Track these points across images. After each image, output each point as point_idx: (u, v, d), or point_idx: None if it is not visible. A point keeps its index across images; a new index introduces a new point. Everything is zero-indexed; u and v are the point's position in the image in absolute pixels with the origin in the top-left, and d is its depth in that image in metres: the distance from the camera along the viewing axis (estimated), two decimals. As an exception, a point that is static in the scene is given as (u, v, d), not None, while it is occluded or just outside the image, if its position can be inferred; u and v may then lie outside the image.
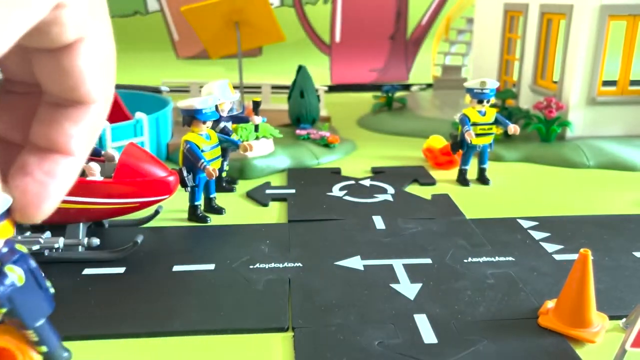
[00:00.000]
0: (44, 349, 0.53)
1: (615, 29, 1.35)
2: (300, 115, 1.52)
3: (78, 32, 0.20)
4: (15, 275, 0.46)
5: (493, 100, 1.12)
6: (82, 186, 0.80)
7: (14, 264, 0.47)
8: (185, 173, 0.90)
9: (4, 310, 0.49)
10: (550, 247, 0.84)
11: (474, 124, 1.11)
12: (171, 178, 0.83)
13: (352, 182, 1.16)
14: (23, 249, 0.49)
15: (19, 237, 0.77)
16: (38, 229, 0.84)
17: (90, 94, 0.22)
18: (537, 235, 0.88)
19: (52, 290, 0.53)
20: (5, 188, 0.22)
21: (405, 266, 0.78)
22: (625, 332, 0.53)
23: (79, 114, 0.22)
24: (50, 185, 0.22)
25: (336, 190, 1.11)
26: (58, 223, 0.83)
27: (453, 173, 1.20)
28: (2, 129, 0.25)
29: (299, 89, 1.52)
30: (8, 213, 0.22)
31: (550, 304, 0.65)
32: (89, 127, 0.23)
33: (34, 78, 0.23)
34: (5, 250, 0.47)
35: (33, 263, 0.49)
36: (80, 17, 0.20)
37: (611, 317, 0.65)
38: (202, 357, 0.59)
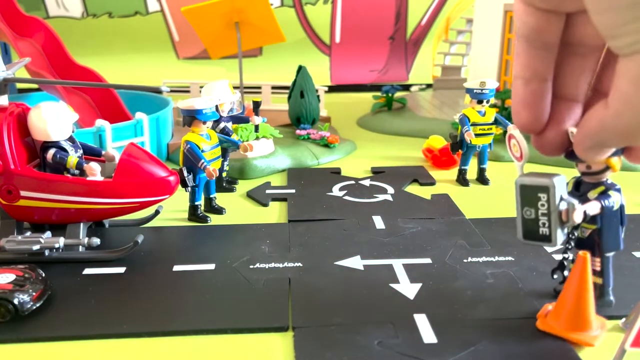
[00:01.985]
0: (600, 280, 0.63)
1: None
2: (300, 115, 1.53)
3: None
4: (616, 200, 0.60)
5: (493, 100, 1.12)
6: (83, 186, 0.80)
7: (617, 192, 0.60)
8: (185, 173, 0.90)
9: (592, 226, 0.62)
10: (549, 247, 0.84)
11: (474, 124, 1.11)
12: (171, 178, 0.83)
13: (352, 182, 1.16)
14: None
15: (20, 237, 0.77)
16: (38, 228, 0.84)
17: None
18: (537, 235, 0.88)
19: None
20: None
21: (405, 266, 0.78)
22: (625, 332, 0.53)
23: None
24: None
25: (336, 190, 1.11)
26: (58, 223, 0.83)
27: (453, 173, 1.21)
28: (569, 89, 0.31)
29: (299, 89, 1.52)
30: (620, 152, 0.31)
31: (550, 306, 0.65)
32: None
33: (597, 42, 0.28)
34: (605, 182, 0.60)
35: (624, 201, 0.61)
36: None
37: (611, 317, 0.65)
38: (203, 357, 0.59)
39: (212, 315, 0.66)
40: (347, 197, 1.07)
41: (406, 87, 2.42)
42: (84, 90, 1.49)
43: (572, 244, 0.62)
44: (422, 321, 0.64)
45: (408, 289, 0.71)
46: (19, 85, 2.03)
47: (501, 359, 0.57)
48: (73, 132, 0.84)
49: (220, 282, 0.73)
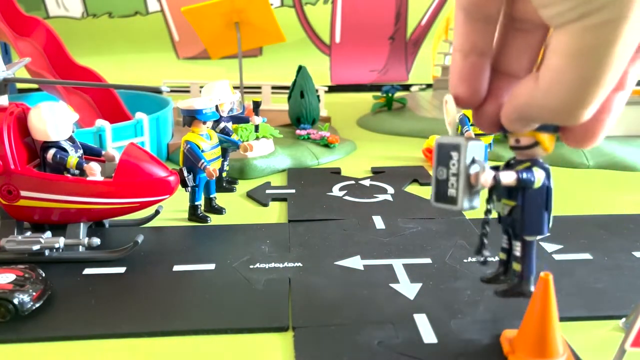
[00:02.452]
0: (518, 267, 0.59)
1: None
2: (301, 115, 1.53)
3: None
4: (537, 175, 0.55)
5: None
6: (83, 186, 0.80)
7: (541, 169, 0.55)
8: (185, 173, 0.90)
9: (511, 202, 0.57)
10: (549, 247, 0.84)
11: (474, 125, 1.11)
12: (171, 178, 0.83)
13: (352, 182, 1.16)
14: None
15: (20, 237, 0.77)
16: (39, 228, 0.84)
17: None
18: (537, 235, 0.88)
19: None
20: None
21: (405, 266, 0.78)
22: (625, 332, 0.53)
23: (638, 54, 0.26)
24: (607, 119, 0.27)
25: (336, 190, 1.11)
26: (59, 223, 0.83)
27: (453, 173, 1.20)
28: (512, 65, 0.30)
29: (299, 89, 1.52)
30: (556, 129, 0.30)
31: (509, 333, 0.60)
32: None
33: (541, 19, 0.26)
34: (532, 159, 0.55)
35: (552, 184, 0.56)
36: None
37: (610, 317, 0.65)
38: (203, 357, 0.59)
39: (212, 315, 0.66)
40: (347, 197, 1.07)
41: (406, 87, 2.42)
42: (84, 90, 1.49)
43: (489, 215, 0.58)
44: (422, 321, 0.64)
45: (408, 289, 0.71)
46: (19, 85, 2.03)
47: (502, 359, 0.57)
48: (73, 132, 0.84)
49: (220, 282, 0.73)
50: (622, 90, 0.26)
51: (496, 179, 0.54)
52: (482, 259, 0.60)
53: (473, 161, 0.52)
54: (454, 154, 0.53)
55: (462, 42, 0.28)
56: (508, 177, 0.55)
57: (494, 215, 0.59)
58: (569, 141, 0.28)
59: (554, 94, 0.24)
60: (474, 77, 0.28)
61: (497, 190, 0.58)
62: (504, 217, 0.59)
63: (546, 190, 0.57)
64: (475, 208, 0.54)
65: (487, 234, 0.58)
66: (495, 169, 0.58)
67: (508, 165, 0.58)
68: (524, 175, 0.55)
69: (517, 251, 0.60)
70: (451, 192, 0.54)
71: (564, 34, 0.22)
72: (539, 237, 0.59)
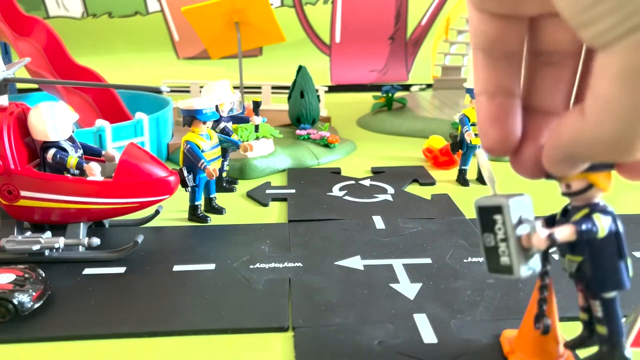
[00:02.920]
0: (602, 329, 0.50)
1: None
2: (301, 115, 1.53)
3: None
4: (599, 223, 0.46)
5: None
6: (83, 186, 0.80)
7: (603, 214, 0.46)
8: (185, 173, 0.90)
9: (577, 257, 0.49)
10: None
11: (474, 124, 1.11)
12: (171, 178, 0.83)
13: (352, 182, 1.16)
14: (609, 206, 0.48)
15: (20, 237, 0.77)
16: (39, 228, 0.84)
17: None
18: (537, 235, 0.88)
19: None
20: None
21: (405, 266, 0.78)
22: (625, 332, 0.53)
23: None
24: None
25: (336, 190, 1.11)
26: (59, 223, 0.83)
27: (453, 173, 1.21)
28: (542, 100, 0.26)
29: (299, 89, 1.52)
30: (611, 166, 0.24)
31: (508, 333, 0.60)
32: None
33: (572, 47, 0.24)
34: (593, 203, 0.47)
35: (621, 228, 0.48)
36: None
37: (611, 317, 0.65)
38: (203, 357, 0.59)
39: (212, 315, 0.66)
40: (347, 197, 1.07)
41: (406, 87, 2.42)
42: (84, 90, 1.49)
43: (546, 279, 0.51)
44: (422, 321, 0.64)
45: (408, 289, 0.71)
46: (19, 85, 2.03)
47: None
48: (73, 132, 0.84)
49: (220, 282, 0.73)
50: None
51: (551, 238, 0.46)
52: (540, 326, 0.52)
53: (520, 221, 0.46)
54: (498, 217, 0.46)
55: (485, 83, 0.26)
56: (565, 233, 0.46)
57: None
58: (630, 176, 0.25)
59: (607, 126, 0.20)
60: (503, 119, 0.25)
61: (557, 247, 0.49)
62: (574, 274, 0.50)
63: (615, 237, 0.48)
64: (537, 271, 0.47)
65: (546, 301, 0.51)
66: (551, 220, 0.51)
67: (565, 213, 0.50)
68: (584, 226, 0.46)
69: (599, 312, 0.50)
70: (504, 260, 0.47)
71: (612, 55, 0.19)
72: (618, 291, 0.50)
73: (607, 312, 0.50)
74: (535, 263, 0.47)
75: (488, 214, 0.47)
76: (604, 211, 0.47)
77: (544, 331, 0.52)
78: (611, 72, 0.19)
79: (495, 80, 0.26)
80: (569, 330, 0.62)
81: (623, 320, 0.64)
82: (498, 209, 0.47)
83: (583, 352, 0.55)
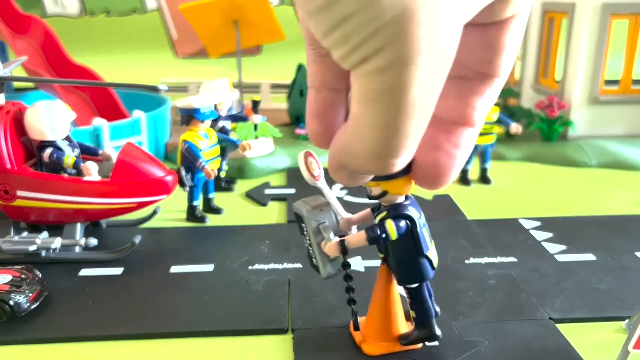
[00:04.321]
0: (412, 314, 0.55)
1: (617, 28, 1.34)
2: (300, 114, 1.52)
3: (515, 10, 0.21)
4: (390, 229, 0.50)
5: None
6: (80, 186, 0.79)
7: (394, 220, 0.50)
8: (183, 173, 0.90)
9: (382, 255, 0.54)
10: (552, 248, 0.83)
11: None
12: (169, 178, 0.82)
13: (353, 181, 1.15)
14: (415, 214, 0.51)
15: (16, 238, 0.76)
16: (36, 229, 0.83)
17: (501, 68, 0.23)
18: (539, 236, 0.88)
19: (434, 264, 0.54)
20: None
21: (406, 267, 0.77)
22: (628, 334, 0.53)
23: (484, 87, 0.23)
24: (458, 156, 0.24)
25: (336, 190, 1.10)
26: (56, 223, 0.82)
27: (454, 173, 1.20)
28: None
29: (299, 88, 1.51)
30: (404, 171, 0.25)
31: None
32: (489, 100, 0.24)
33: None
34: (393, 205, 0.50)
35: (419, 229, 0.51)
36: None
37: (614, 319, 0.65)
38: (201, 359, 0.58)
39: (211, 317, 0.65)
40: (348, 197, 1.06)
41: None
42: (81, 89, 1.48)
43: (348, 269, 0.54)
44: (423, 323, 0.63)
45: (409, 290, 0.70)
46: (16, 85, 2.02)
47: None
48: (70, 131, 0.84)
49: (219, 284, 0.73)
50: (472, 127, 0.24)
51: (343, 246, 0.50)
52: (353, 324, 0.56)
53: (319, 230, 0.50)
54: (302, 225, 0.51)
55: (313, 78, 0.26)
56: (357, 240, 0.51)
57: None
58: (419, 183, 0.26)
59: (358, 143, 0.21)
60: (325, 112, 0.25)
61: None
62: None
63: (412, 237, 0.51)
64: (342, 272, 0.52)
65: (354, 289, 0.55)
66: (376, 209, 0.53)
67: (379, 207, 0.53)
68: (373, 234, 0.50)
69: (408, 299, 0.56)
70: (314, 261, 0.52)
71: (354, 79, 0.19)
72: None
73: (414, 299, 0.55)
74: (339, 266, 0.52)
75: (298, 220, 0.51)
76: (400, 216, 0.50)
77: (355, 329, 0.57)
78: (355, 95, 0.20)
79: (321, 75, 0.26)
80: (569, 330, 0.62)
81: (627, 321, 0.63)
82: (300, 217, 0.50)
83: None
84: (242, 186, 1.13)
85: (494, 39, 0.22)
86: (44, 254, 0.76)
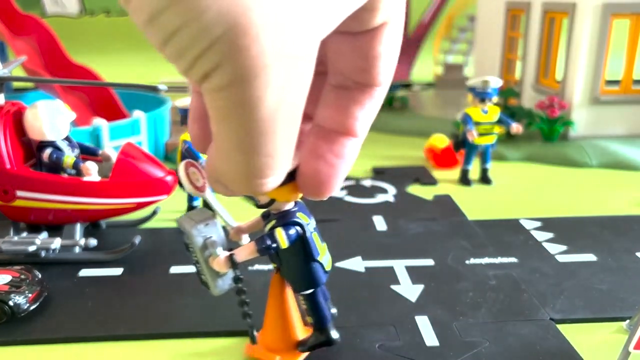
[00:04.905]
0: (309, 319, 0.55)
1: (618, 27, 1.33)
2: (301, 114, 1.51)
3: (385, 18, 0.21)
4: (279, 238, 0.48)
5: (496, 99, 1.11)
6: (79, 186, 0.79)
7: (283, 227, 0.48)
8: (183, 173, 0.89)
9: (275, 264, 0.53)
10: (553, 248, 0.83)
11: (477, 123, 1.10)
12: (169, 178, 0.82)
13: (353, 182, 1.15)
14: (305, 219, 0.50)
15: (16, 238, 0.76)
16: (35, 229, 0.83)
17: (378, 77, 0.23)
18: (540, 236, 0.87)
19: (326, 268, 0.53)
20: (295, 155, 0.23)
21: (407, 267, 0.77)
22: (629, 334, 0.52)
23: (364, 97, 0.23)
24: (340, 166, 0.24)
25: (336, 190, 1.10)
26: (55, 223, 0.82)
27: (455, 173, 1.19)
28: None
29: (299, 88, 1.51)
30: (290, 178, 0.24)
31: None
32: (371, 110, 0.24)
33: (326, 59, 0.24)
34: (282, 212, 0.49)
35: (308, 234, 0.50)
36: (389, 4, 0.20)
37: (614, 319, 0.64)
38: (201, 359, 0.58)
39: (210, 317, 0.65)
40: (347, 198, 1.06)
41: (408, 86, 2.41)
42: (80, 89, 1.48)
43: (240, 283, 0.52)
44: (423, 323, 0.63)
45: (410, 290, 0.70)
46: (16, 84, 2.02)
47: (504, 363, 0.56)
48: (69, 131, 0.83)
49: (218, 284, 0.72)
50: (354, 136, 0.24)
51: (232, 260, 0.49)
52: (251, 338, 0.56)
53: (205, 245, 0.48)
54: (188, 241, 0.49)
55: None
56: (246, 252, 0.49)
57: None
58: (301, 191, 0.25)
59: (220, 162, 0.20)
60: (205, 117, 0.24)
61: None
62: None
63: (302, 244, 0.50)
64: (234, 286, 0.51)
65: (248, 303, 0.54)
66: (265, 215, 0.52)
67: (268, 215, 0.52)
68: (263, 245, 0.49)
69: (304, 305, 0.55)
70: (203, 278, 0.50)
71: (204, 95, 0.18)
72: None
73: (310, 305, 0.54)
74: (230, 280, 0.50)
75: (183, 234, 0.49)
76: (289, 223, 0.49)
77: (252, 342, 0.57)
78: (209, 111, 0.19)
79: None
80: (570, 330, 0.61)
81: (627, 321, 0.63)
82: (185, 235, 0.49)
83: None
84: (242, 186, 1.13)
85: (367, 47, 0.21)
86: (43, 254, 0.76)
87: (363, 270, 0.76)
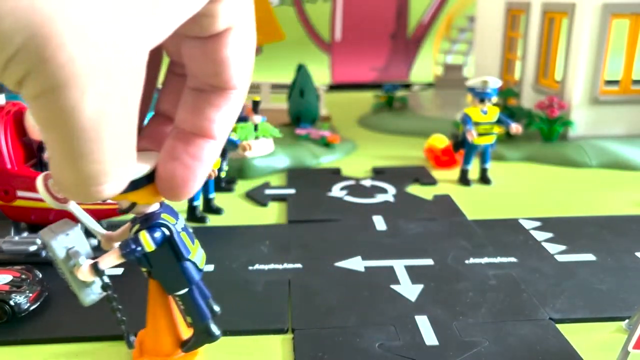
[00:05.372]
0: (188, 319, 0.54)
1: (617, 27, 1.34)
2: (300, 114, 1.52)
3: (227, 23, 0.21)
4: (144, 241, 0.47)
5: (495, 99, 1.11)
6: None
7: (148, 230, 0.47)
8: (184, 173, 0.90)
9: (145, 268, 0.51)
10: (552, 248, 0.83)
11: (476, 124, 1.10)
12: (170, 178, 0.82)
13: (353, 182, 1.16)
14: (171, 220, 0.49)
15: (16, 238, 0.76)
16: (36, 229, 0.83)
17: (232, 81, 0.23)
18: (539, 236, 0.88)
19: (200, 266, 0.52)
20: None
21: (407, 267, 0.77)
22: (628, 334, 0.53)
23: (220, 99, 0.23)
24: (197, 168, 0.24)
25: (336, 191, 1.10)
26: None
27: (454, 173, 1.20)
28: (167, 106, 0.27)
29: (299, 88, 1.51)
30: (150, 181, 0.24)
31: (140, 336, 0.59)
32: (229, 113, 0.24)
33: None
34: (145, 215, 0.47)
35: (175, 235, 0.49)
36: (231, 10, 0.21)
37: (614, 319, 0.65)
38: (201, 359, 0.58)
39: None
40: (347, 198, 1.06)
41: (407, 86, 2.41)
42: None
43: (110, 291, 0.51)
44: (423, 323, 0.63)
45: (409, 290, 0.71)
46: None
47: (504, 363, 0.57)
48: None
49: (219, 284, 0.73)
50: (211, 139, 0.24)
51: (96, 269, 0.48)
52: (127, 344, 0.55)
53: (68, 256, 0.47)
54: (50, 254, 0.48)
55: None
56: (110, 259, 0.48)
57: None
58: (160, 193, 0.25)
59: (55, 170, 0.20)
60: None
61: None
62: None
63: (170, 245, 0.49)
64: (103, 294, 0.50)
65: (120, 309, 0.53)
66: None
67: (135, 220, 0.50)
68: (128, 249, 0.47)
69: (181, 305, 0.54)
70: (71, 288, 0.49)
71: (27, 103, 0.18)
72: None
73: (186, 304, 0.53)
74: (98, 288, 0.50)
75: (46, 249, 0.48)
76: (154, 225, 0.48)
77: (129, 347, 0.55)
78: (35, 119, 0.19)
79: None
80: (569, 330, 0.62)
81: (626, 321, 0.63)
82: (46, 246, 0.48)
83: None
84: (242, 186, 1.13)
85: (214, 51, 0.22)
86: (43, 254, 0.76)
87: (363, 270, 0.76)
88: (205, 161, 0.24)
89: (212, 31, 0.21)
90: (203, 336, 0.55)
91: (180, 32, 0.21)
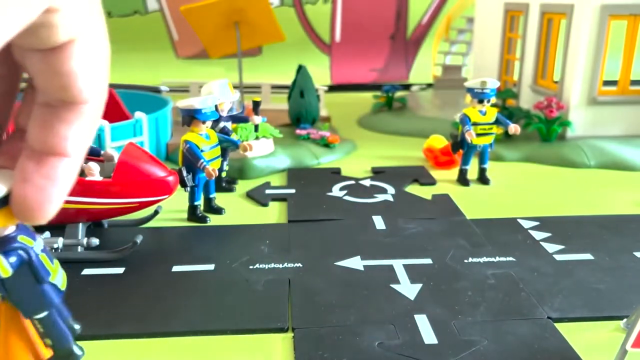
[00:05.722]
0: (48, 341, 0.52)
1: (615, 28, 1.34)
2: (300, 115, 1.52)
3: (69, 34, 0.20)
4: (1, 268, 0.44)
5: (494, 100, 1.12)
6: (82, 186, 0.80)
7: (3, 255, 0.44)
8: (184, 173, 0.90)
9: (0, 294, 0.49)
10: (550, 248, 0.84)
11: (475, 124, 1.11)
12: (170, 178, 0.82)
13: (352, 182, 1.16)
14: (29, 242, 0.46)
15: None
16: (37, 229, 0.83)
17: (81, 94, 0.21)
18: (538, 235, 0.88)
19: (61, 287, 0.50)
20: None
21: (406, 266, 0.77)
22: (626, 333, 0.53)
23: (71, 114, 0.22)
24: (50, 189, 0.22)
25: (336, 190, 1.10)
26: (57, 223, 0.82)
27: (453, 173, 1.20)
28: (26, 120, 0.24)
29: (299, 89, 1.52)
30: (6, 202, 0.22)
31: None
32: (83, 128, 0.22)
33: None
34: (1, 238, 0.45)
35: (34, 257, 0.47)
36: (72, 20, 0.19)
37: (612, 318, 0.65)
38: (202, 358, 0.59)
39: (211, 316, 0.65)
40: (347, 197, 1.06)
41: (407, 87, 2.41)
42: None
43: None
44: (422, 322, 0.64)
45: (408, 289, 0.71)
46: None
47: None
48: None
49: (219, 283, 0.73)
50: (65, 156, 0.22)
51: None
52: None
53: None
54: None
55: None
56: None
57: None
58: (16, 217, 0.23)
59: None
60: None
61: None
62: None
63: (29, 267, 0.47)
64: None
65: None
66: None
67: None
68: None
69: (40, 328, 0.51)
70: None
71: None
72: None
73: (46, 327, 0.51)
74: None
75: None
76: (10, 250, 0.45)
77: None
78: None
79: None
80: (568, 329, 0.62)
81: (625, 320, 0.64)
82: None
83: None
84: (243, 186, 1.13)
85: (58, 64, 0.20)
86: (45, 253, 0.77)
87: (362, 269, 0.77)
88: (59, 181, 0.22)
89: (53, 43, 0.19)
90: (64, 358, 0.53)
91: (18, 44, 0.19)
